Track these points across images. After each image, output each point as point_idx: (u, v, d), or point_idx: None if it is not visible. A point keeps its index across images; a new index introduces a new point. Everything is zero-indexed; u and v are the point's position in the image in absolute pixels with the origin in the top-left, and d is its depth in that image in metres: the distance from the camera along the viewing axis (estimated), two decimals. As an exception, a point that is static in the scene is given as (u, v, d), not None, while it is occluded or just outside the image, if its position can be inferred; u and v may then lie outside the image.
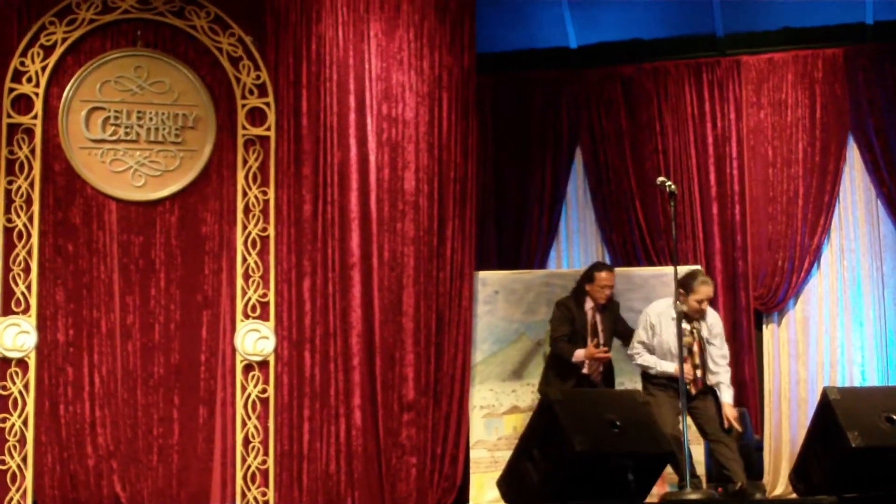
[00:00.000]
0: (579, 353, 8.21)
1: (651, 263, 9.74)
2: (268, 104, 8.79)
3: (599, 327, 8.38)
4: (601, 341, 8.32)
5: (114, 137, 8.59)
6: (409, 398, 8.76)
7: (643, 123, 10.08)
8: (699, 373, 7.75)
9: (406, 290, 8.88)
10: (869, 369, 9.52)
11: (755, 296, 9.65)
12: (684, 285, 7.74)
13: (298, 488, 8.54)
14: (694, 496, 7.19)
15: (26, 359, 8.26)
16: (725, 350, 7.94)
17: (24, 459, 8.17)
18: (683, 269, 8.28)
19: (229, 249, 8.67)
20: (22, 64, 8.45)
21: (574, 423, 6.19)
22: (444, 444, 8.80)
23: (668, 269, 8.64)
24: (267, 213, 8.72)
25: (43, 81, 8.48)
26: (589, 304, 8.38)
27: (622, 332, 8.45)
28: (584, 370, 8.26)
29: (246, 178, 8.72)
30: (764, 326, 9.78)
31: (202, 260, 8.65)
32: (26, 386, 8.23)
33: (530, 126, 10.29)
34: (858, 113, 9.68)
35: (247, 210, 8.70)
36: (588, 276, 8.39)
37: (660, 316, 7.87)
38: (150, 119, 8.64)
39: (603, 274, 8.35)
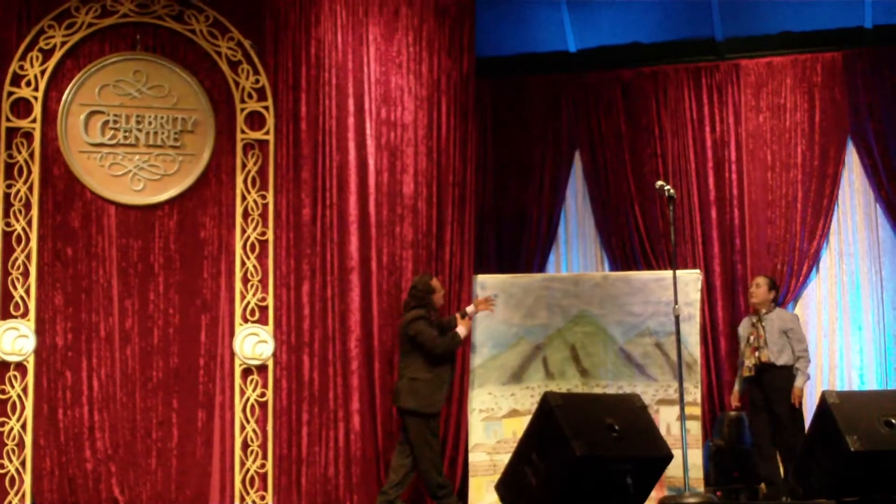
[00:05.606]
0: (462, 330, 8.23)
1: (650, 267, 9.74)
2: (267, 108, 8.79)
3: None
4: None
5: (113, 141, 8.59)
6: (408, 402, 8.74)
7: (642, 127, 10.10)
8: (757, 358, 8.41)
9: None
10: (868, 373, 9.52)
11: (754, 300, 9.66)
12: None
13: (297, 492, 8.54)
14: (692, 500, 7.19)
15: (25, 363, 8.26)
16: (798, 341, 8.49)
17: (23, 463, 8.17)
18: (681, 273, 8.33)
19: (228, 253, 8.67)
20: (21, 67, 8.45)
21: (573, 428, 6.19)
22: (443, 447, 8.76)
23: (667, 273, 8.65)
24: (266, 217, 8.72)
25: (42, 85, 8.48)
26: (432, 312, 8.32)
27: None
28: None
29: (245, 182, 8.72)
30: (763, 330, 9.77)
31: (201, 264, 8.65)
32: (25, 390, 8.23)
33: (529, 130, 10.31)
34: (857, 117, 9.69)
35: (246, 214, 8.70)
36: (430, 289, 8.27)
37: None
38: (149, 123, 8.64)
39: (436, 281, 8.43)
